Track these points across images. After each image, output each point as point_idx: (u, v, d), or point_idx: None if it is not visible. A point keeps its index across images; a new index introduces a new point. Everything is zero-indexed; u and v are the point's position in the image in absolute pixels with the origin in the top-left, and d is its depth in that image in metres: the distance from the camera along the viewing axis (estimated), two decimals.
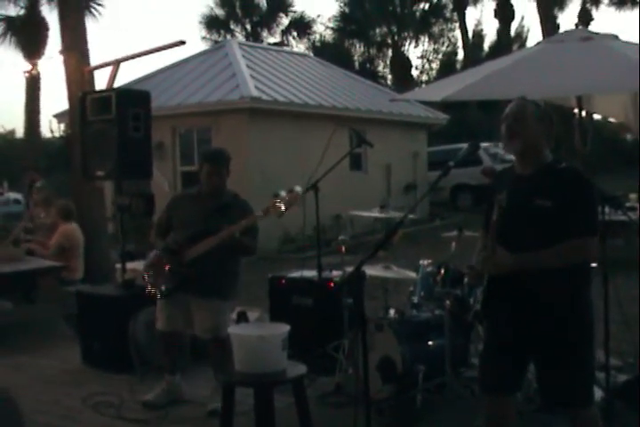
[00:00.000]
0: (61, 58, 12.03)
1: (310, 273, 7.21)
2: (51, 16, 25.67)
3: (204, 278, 5.76)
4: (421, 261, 6.37)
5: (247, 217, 5.71)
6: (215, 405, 5.38)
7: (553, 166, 3.92)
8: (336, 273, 7.02)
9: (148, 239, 6.31)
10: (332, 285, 6.87)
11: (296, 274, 7.39)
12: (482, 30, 42.52)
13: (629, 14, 79.84)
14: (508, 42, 37.23)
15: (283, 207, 5.41)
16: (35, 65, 26.46)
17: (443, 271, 6.13)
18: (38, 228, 10.01)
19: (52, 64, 26.48)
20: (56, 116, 19.34)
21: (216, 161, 5.92)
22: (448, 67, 38.40)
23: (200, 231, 5.72)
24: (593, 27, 37.26)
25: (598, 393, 4.93)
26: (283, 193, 5.45)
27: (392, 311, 6.26)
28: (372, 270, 5.92)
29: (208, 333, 5.84)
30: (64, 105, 13.51)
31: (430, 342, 5.95)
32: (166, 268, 5.84)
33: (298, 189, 5.55)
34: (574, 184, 3.84)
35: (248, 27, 38.73)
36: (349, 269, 5.75)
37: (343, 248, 6.62)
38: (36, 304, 8.99)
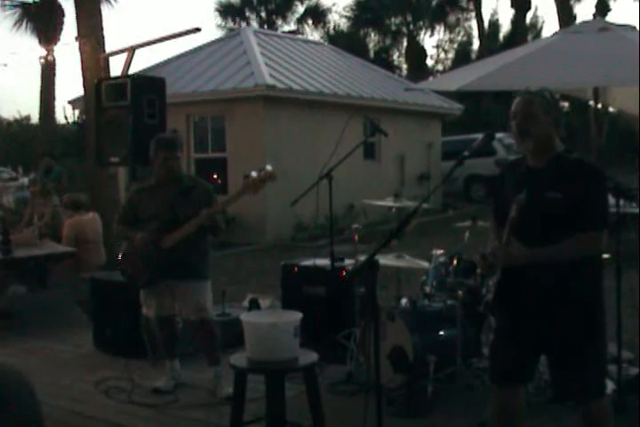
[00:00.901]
0: (77, 44, 12.05)
1: (323, 262, 7.22)
2: (67, 2, 25.60)
3: (183, 262, 5.87)
4: (434, 251, 6.36)
5: (211, 197, 5.92)
6: (229, 390, 5.40)
7: (564, 157, 3.91)
8: (349, 262, 7.03)
9: (115, 231, 6.32)
10: (344, 273, 6.88)
11: (308, 262, 7.40)
12: (497, 20, 42.38)
13: None
14: (523, 32, 37.03)
15: (255, 183, 5.50)
16: (50, 51, 26.46)
17: (455, 261, 6.13)
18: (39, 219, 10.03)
19: (68, 50, 26.43)
20: (71, 102, 19.35)
21: (172, 146, 6.00)
22: (463, 56, 38.26)
23: (170, 219, 5.82)
24: (610, 18, 37.05)
25: (610, 386, 4.92)
26: (253, 173, 5.53)
27: (404, 301, 6.27)
28: (384, 260, 5.91)
29: (195, 314, 5.95)
30: (79, 91, 13.53)
31: (442, 332, 5.96)
32: (138, 258, 5.92)
33: (268, 167, 5.60)
34: (584, 176, 3.83)
35: (263, 15, 38.69)
36: (362, 258, 5.75)
37: (356, 237, 6.63)
38: (49, 289, 9.03)
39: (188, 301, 5.96)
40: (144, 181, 6.32)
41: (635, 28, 6.45)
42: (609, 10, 38.05)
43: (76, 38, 12.28)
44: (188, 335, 6.45)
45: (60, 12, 26.23)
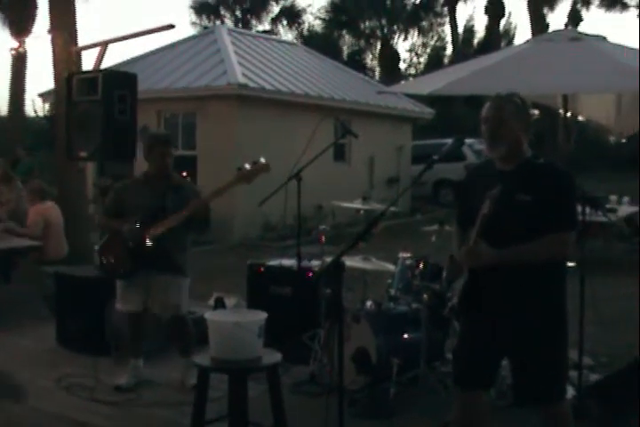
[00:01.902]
0: (49, 37, 11.95)
1: (289, 262, 7.22)
2: None
3: (165, 255, 5.91)
4: (401, 254, 6.39)
5: (198, 194, 6.01)
6: (194, 381, 5.38)
7: (532, 162, 3.95)
8: (315, 263, 7.04)
9: (97, 222, 6.34)
10: (310, 274, 6.88)
11: (275, 262, 7.40)
12: (472, 26, 42.59)
13: (619, 16, 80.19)
14: (497, 38, 37.26)
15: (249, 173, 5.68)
16: (22, 43, 26.24)
17: (422, 265, 6.16)
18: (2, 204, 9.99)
19: (40, 43, 26.17)
20: (41, 95, 19.21)
21: (168, 142, 6.14)
22: (436, 61, 38.43)
23: (158, 208, 5.85)
24: (582, 27, 37.38)
25: (570, 391, 4.97)
26: (247, 165, 5.68)
27: (369, 303, 6.29)
28: (351, 262, 5.93)
29: (170, 310, 6.00)
30: (50, 84, 13.45)
31: (406, 335, 5.98)
32: (121, 248, 5.94)
33: (262, 160, 5.72)
34: (553, 178, 3.87)
35: (238, 13, 38.63)
36: (329, 259, 5.76)
37: (323, 238, 6.64)
38: (13, 283, 8.97)
39: (164, 295, 6.00)
40: (135, 176, 6.37)
41: (605, 38, 6.50)
42: (581, 19, 38.41)
43: (49, 31, 12.19)
44: (155, 333, 6.44)
45: (33, 4, 26.00)
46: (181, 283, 6.07)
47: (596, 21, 70.27)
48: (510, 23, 41.94)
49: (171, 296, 6.01)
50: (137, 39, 8.85)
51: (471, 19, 58.83)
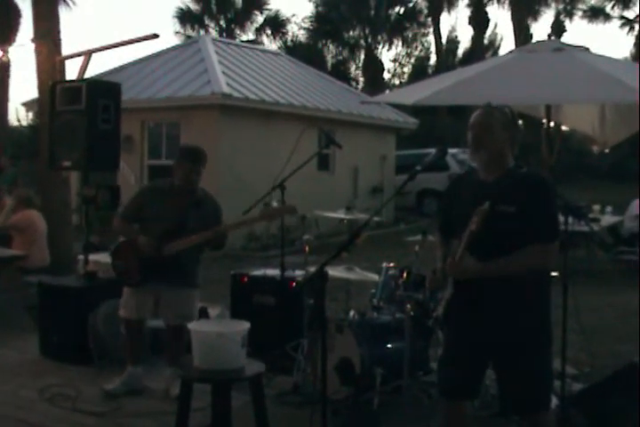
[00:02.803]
0: (33, 46, 11.92)
1: (273, 272, 7.21)
2: (24, 3, 25.29)
3: (178, 269, 5.96)
4: (384, 264, 6.39)
5: (220, 214, 6.09)
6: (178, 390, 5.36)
7: (515, 172, 3.96)
8: (299, 273, 7.03)
9: (111, 225, 6.33)
10: (293, 284, 6.88)
11: (259, 272, 7.39)
12: (456, 36, 42.83)
13: (601, 27, 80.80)
14: (480, 49, 37.45)
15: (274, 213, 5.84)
16: (5, 52, 26.16)
17: (405, 275, 6.16)
18: None
19: (23, 51, 26.09)
20: (25, 104, 19.16)
21: (198, 161, 6.06)
22: (420, 71, 38.60)
23: (177, 225, 5.89)
24: (565, 38, 37.61)
25: (553, 401, 4.97)
26: (274, 203, 5.87)
27: (352, 313, 6.29)
28: (334, 271, 5.92)
29: (179, 319, 5.96)
30: (33, 93, 13.40)
31: (389, 345, 5.98)
32: (134, 257, 5.95)
33: (291, 204, 5.84)
34: (536, 189, 3.89)
35: (222, 23, 38.62)
36: (312, 269, 5.76)
37: (307, 248, 6.64)
38: None
39: (175, 306, 6.03)
40: (159, 181, 6.37)
41: (588, 49, 6.55)
42: (564, 30, 38.68)
43: (33, 40, 12.16)
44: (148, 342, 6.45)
45: (17, 13, 25.94)
46: (192, 294, 6.13)
47: (579, 32, 70.73)
48: (495, 34, 42.25)
49: (182, 307, 6.04)
50: (121, 48, 8.86)
51: (454, 29, 59.10)
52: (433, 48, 40.10)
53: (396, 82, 40.51)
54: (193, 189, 6.08)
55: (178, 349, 6.10)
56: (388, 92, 30.03)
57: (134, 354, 6.26)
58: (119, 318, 6.28)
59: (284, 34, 39.64)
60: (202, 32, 36.24)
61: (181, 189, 6.04)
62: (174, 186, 6.08)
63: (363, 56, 40.00)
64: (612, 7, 36.01)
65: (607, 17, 36.50)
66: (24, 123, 31.24)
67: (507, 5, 35.09)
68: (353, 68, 41.00)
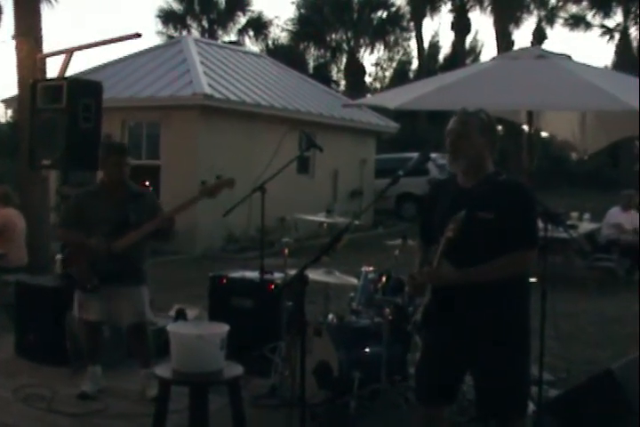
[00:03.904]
0: (13, 43, 11.86)
1: (252, 274, 7.19)
2: (5, 0, 25.23)
3: (130, 267, 5.98)
4: (363, 268, 6.39)
5: (158, 204, 6.14)
6: (155, 391, 5.34)
7: (494, 178, 3.97)
8: (278, 275, 7.02)
9: (57, 235, 6.31)
10: (272, 287, 6.86)
11: (237, 274, 7.37)
12: (437, 41, 42.98)
13: (582, 35, 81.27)
14: (462, 55, 37.57)
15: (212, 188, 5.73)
16: None
17: (384, 279, 6.16)
18: None
19: (4, 48, 25.97)
20: (4, 101, 19.04)
21: (124, 152, 6.13)
22: (401, 75, 38.71)
23: (121, 221, 5.87)
24: (546, 45, 37.79)
25: (529, 407, 4.98)
26: (210, 180, 5.77)
27: (331, 317, 6.28)
28: (314, 275, 5.91)
29: (137, 317, 6.02)
30: (13, 90, 13.31)
31: (367, 349, 5.97)
32: (85, 262, 5.93)
33: (225, 177, 5.77)
34: (515, 196, 3.90)
35: (205, 23, 38.56)
36: (292, 271, 5.75)
37: (286, 250, 6.63)
38: None
39: (129, 305, 6.00)
40: (89, 186, 6.32)
41: (570, 57, 6.59)
42: (545, 37, 38.86)
43: (13, 37, 12.10)
44: (114, 343, 6.40)
45: None
46: (143, 291, 6.10)
47: (560, 40, 71.09)
48: (477, 40, 42.39)
49: (135, 305, 6.02)
50: (103, 47, 8.81)
51: (436, 34, 59.30)
52: (415, 53, 40.26)
53: (378, 86, 40.61)
54: (125, 182, 6.09)
55: (143, 348, 6.13)
56: (369, 95, 30.06)
57: (94, 354, 6.25)
58: (76, 320, 6.26)
59: (267, 35, 39.66)
60: (184, 32, 36.16)
61: (114, 186, 6.04)
62: (105, 184, 6.09)
63: (345, 59, 40.05)
64: (593, 16, 36.21)
65: (588, 25, 36.70)
66: (2, 120, 31.10)
67: (489, 12, 35.22)
68: (335, 71, 41.10)
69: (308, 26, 38.88)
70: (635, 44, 35.29)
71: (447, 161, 4.04)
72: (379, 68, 41.64)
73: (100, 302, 6.01)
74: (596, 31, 37.85)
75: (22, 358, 7.06)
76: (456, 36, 38.48)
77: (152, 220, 5.84)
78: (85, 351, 6.29)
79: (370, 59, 60.66)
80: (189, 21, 38.58)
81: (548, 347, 5.66)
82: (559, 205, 14.06)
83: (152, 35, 40.28)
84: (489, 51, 57.45)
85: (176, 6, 38.10)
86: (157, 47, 20.19)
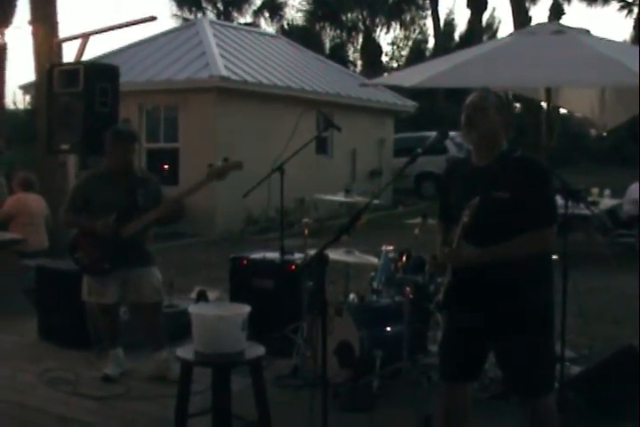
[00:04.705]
0: (30, 29, 11.88)
1: (272, 255, 7.20)
2: None
3: (139, 250, 6.06)
4: (383, 247, 6.39)
5: (161, 189, 6.17)
6: (175, 373, 5.35)
7: (508, 156, 3.94)
8: (298, 256, 7.02)
9: (63, 219, 6.32)
10: (293, 267, 6.87)
11: (258, 255, 7.38)
12: (453, 19, 42.68)
13: (599, 10, 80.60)
14: (479, 32, 37.30)
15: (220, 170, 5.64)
16: (2, 35, 26.03)
17: (404, 258, 6.16)
18: None
19: (20, 34, 26.06)
20: (22, 87, 19.08)
21: (133, 138, 6.15)
22: (418, 54, 38.48)
23: (128, 207, 5.90)
24: (564, 21, 37.45)
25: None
26: (218, 163, 5.68)
27: (352, 296, 6.29)
28: (334, 255, 5.90)
29: (153, 296, 6.10)
30: (30, 76, 13.36)
31: (389, 328, 5.98)
32: (94, 247, 5.97)
33: (233, 159, 5.71)
34: (531, 174, 3.86)
35: (220, 6, 38.47)
36: (312, 252, 5.75)
37: (306, 231, 6.63)
38: None
39: (145, 286, 6.06)
40: (94, 169, 6.32)
41: (588, 31, 6.51)
42: (563, 13, 38.54)
43: (30, 22, 12.11)
44: (130, 327, 6.44)
45: None
46: (155, 270, 6.18)
47: (577, 15, 70.49)
48: (494, 17, 42.07)
49: (154, 283, 6.11)
50: (118, 31, 8.82)
51: (451, 12, 58.90)
52: (431, 31, 40.02)
53: (394, 65, 40.39)
54: (131, 168, 6.12)
55: (158, 329, 6.19)
56: (386, 74, 29.91)
57: (113, 337, 6.30)
58: (89, 304, 6.32)
59: (282, 17, 39.54)
60: (199, 15, 36.08)
61: (121, 171, 6.06)
62: (113, 169, 6.09)
63: (361, 39, 39.90)
64: None
65: (605, 0, 36.39)
66: (21, 106, 31.16)
67: None
68: (351, 51, 40.95)
69: (324, 6, 38.70)
70: None
71: (461, 133, 4.02)
72: (395, 47, 41.43)
73: (115, 285, 6.05)
74: (614, 5, 37.55)
75: (46, 343, 7.12)
76: (472, 13, 38.19)
77: (158, 204, 5.89)
78: (104, 335, 6.33)
79: (386, 38, 60.38)
80: (204, 4, 38.51)
81: (570, 324, 5.64)
82: (579, 182, 13.99)
83: (167, 18, 40.32)
84: (506, 28, 57.07)
85: None
86: (173, 30, 20.16)
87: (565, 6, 39.37)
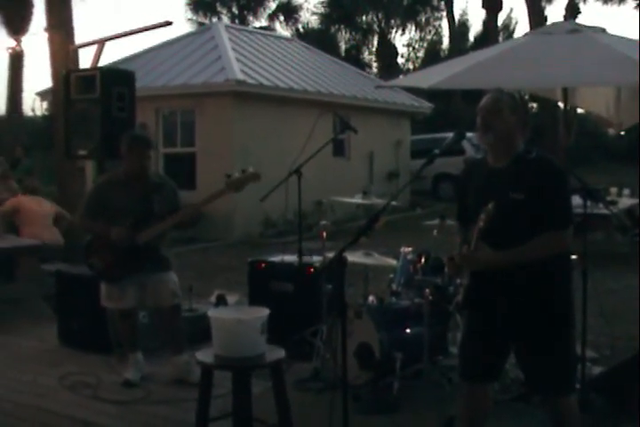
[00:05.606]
0: (46, 35, 11.94)
1: (291, 258, 7.20)
2: None
3: (155, 255, 6.06)
4: (402, 249, 6.38)
5: (178, 194, 6.18)
6: (196, 377, 5.35)
7: (524, 157, 3.92)
8: (317, 258, 7.02)
9: (76, 224, 6.37)
10: (311, 270, 6.87)
11: (276, 258, 7.38)
12: (467, 20, 42.53)
13: (616, 9, 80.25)
14: (494, 32, 37.17)
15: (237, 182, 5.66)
16: (19, 42, 26.20)
17: (423, 259, 6.15)
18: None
19: (37, 41, 26.23)
20: (39, 94, 19.18)
21: (149, 144, 6.14)
22: (433, 55, 38.37)
23: (144, 213, 5.92)
24: (580, 20, 37.31)
25: None
26: (236, 174, 5.66)
27: (371, 298, 6.29)
28: (352, 257, 5.92)
29: (171, 300, 6.13)
30: (47, 83, 13.44)
31: (408, 330, 5.97)
32: (109, 253, 5.99)
33: (251, 169, 5.70)
34: (546, 175, 3.85)
35: (235, 10, 38.52)
36: (330, 254, 5.75)
37: (324, 234, 6.63)
38: (16, 283, 8.96)
39: (163, 289, 6.08)
40: (110, 173, 6.34)
41: (604, 30, 6.49)
42: (579, 12, 38.34)
43: (46, 29, 12.18)
44: (149, 331, 6.46)
45: (30, 3, 25.98)
46: (171, 275, 6.19)
47: (593, 14, 70.18)
48: (510, 18, 41.88)
49: (172, 286, 6.13)
50: (134, 37, 8.84)
51: (464, 13, 58.68)
52: (446, 32, 39.92)
53: (410, 66, 40.31)
54: (147, 174, 6.13)
55: (179, 333, 6.22)
56: (401, 76, 29.88)
57: (133, 341, 6.33)
58: (109, 309, 6.34)
59: (297, 20, 39.52)
60: (214, 19, 36.16)
61: (137, 177, 6.06)
62: (128, 175, 6.09)
63: (376, 41, 39.84)
64: None
65: None
66: (38, 113, 31.33)
67: None
68: (366, 53, 40.85)
69: (339, 8, 38.68)
70: None
71: (477, 136, 4.01)
72: (410, 48, 41.36)
73: (133, 290, 6.08)
74: (630, 4, 37.35)
75: (66, 347, 7.15)
76: (487, 13, 38.04)
77: (173, 212, 5.90)
78: (124, 340, 6.35)
79: (401, 40, 60.30)
80: (219, 8, 38.56)
81: (591, 324, 5.62)
82: (598, 181, 13.94)
83: (182, 23, 40.37)
84: (523, 28, 56.88)
85: None
86: (188, 35, 20.20)
87: (581, 5, 39.13)
